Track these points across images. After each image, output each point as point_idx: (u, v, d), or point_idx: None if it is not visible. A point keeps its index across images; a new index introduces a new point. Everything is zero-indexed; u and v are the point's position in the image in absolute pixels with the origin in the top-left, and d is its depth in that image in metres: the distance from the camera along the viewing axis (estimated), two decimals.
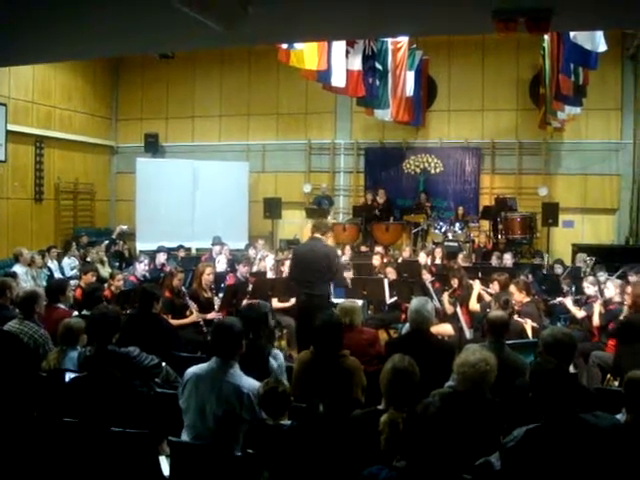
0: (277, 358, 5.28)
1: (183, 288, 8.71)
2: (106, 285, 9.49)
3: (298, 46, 11.34)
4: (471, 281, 9.40)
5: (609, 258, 13.29)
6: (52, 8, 6.54)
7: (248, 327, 5.48)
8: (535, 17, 6.52)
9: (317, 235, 8.26)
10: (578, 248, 15.03)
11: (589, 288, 9.02)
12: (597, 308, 8.21)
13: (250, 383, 4.49)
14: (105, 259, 13.25)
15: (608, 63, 14.84)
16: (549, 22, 6.60)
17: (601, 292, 8.76)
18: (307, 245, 8.66)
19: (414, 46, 15.90)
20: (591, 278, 9.55)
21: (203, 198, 17.77)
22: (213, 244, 14.30)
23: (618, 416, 4.35)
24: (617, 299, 8.22)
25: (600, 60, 11.96)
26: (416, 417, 3.27)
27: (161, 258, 12.72)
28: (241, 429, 4.41)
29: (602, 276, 10.29)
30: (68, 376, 5.00)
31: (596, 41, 11.22)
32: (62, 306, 6.99)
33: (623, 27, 13.32)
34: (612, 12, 6.94)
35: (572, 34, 11.15)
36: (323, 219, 14.22)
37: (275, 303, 9.73)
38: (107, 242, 15.01)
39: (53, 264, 13.00)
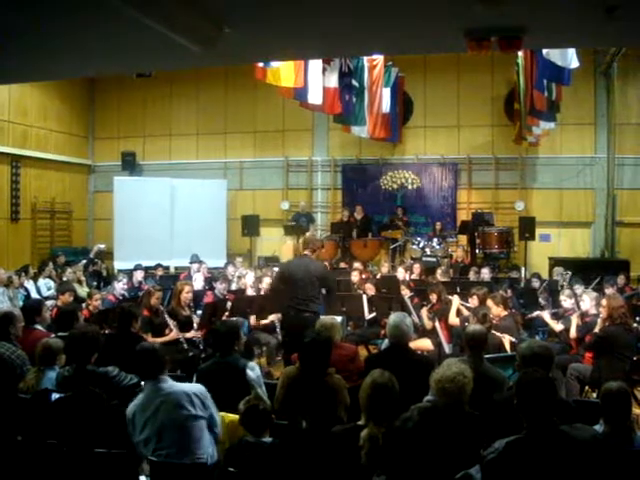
0: (254, 370, 5.31)
1: (161, 307, 8.68)
2: (84, 305, 9.44)
3: (274, 64, 11.39)
4: (450, 296, 9.45)
5: (585, 271, 13.43)
6: (28, 29, 6.54)
7: (218, 343, 5.51)
8: (507, 36, 6.61)
9: (307, 252, 8.28)
10: (555, 261, 15.17)
11: (566, 301, 9.10)
12: (574, 321, 8.28)
13: (189, 385, 4.67)
14: (83, 278, 13.15)
15: (581, 79, 15.05)
16: (521, 40, 6.70)
17: (578, 305, 8.84)
18: (298, 262, 8.66)
19: (390, 63, 16.02)
20: (568, 291, 9.62)
21: (181, 216, 17.74)
22: (191, 262, 14.26)
23: (596, 427, 4.40)
24: (593, 311, 8.30)
25: (573, 76, 12.13)
26: (395, 432, 3.30)
27: (139, 277, 12.66)
28: (201, 428, 4.47)
29: (578, 289, 10.38)
30: (53, 396, 4.97)
31: (568, 58, 11.38)
32: (39, 327, 6.91)
33: (594, 45, 13.51)
34: (582, 30, 7.06)
35: (545, 51, 11.30)
36: (309, 236, 14.26)
37: (254, 320, 9.73)
38: (85, 261, 14.91)
39: (30, 284, 12.90)
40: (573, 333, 8.23)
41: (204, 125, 19.78)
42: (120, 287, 11.06)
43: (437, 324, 8.77)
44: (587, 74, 16.29)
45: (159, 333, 8.25)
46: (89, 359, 5.28)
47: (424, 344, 8.93)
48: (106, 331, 7.66)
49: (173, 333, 8.24)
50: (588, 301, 8.53)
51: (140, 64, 9.62)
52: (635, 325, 8.57)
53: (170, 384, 4.56)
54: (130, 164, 19.39)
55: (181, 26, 5.98)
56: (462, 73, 17.65)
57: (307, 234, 15.76)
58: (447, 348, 8.41)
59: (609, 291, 10.16)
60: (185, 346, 8.13)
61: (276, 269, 11.89)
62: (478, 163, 17.87)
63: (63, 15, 6.13)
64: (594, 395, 7.23)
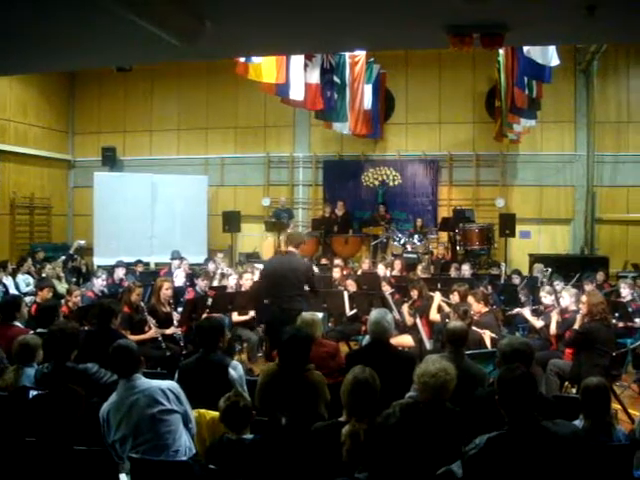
0: (236, 369, 5.28)
1: (142, 303, 8.62)
2: (63, 301, 9.36)
3: (256, 59, 11.35)
4: (431, 292, 9.47)
5: (565, 267, 13.50)
6: (5, 21, 6.47)
7: (202, 340, 5.48)
8: (489, 32, 6.63)
9: (291, 248, 8.25)
10: (535, 258, 15.26)
11: (546, 297, 9.14)
12: (554, 317, 8.32)
13: (162, 381, 4.63)
14: (62, 275, 13.04)
15: (561, 77, 15.18)
16: (503, 37, 6.72)
17: (558, 301, 8.88)
18: (282, 259, 8.64)
19: (372, 60, 16.01)
20: (548, 288, 9.67)
21: (162, 212, 17.67)
22: (172, 258, 14.20)
23: (576, 422, 4.42)
24: (573, 308, 8.35)
25: (554, 74, 12.20)
26: (377, 428, 3.29)
27: (119, 273, 12.57)
28: (177, 421, 4.46)
29: (558, 285, 10.43)
30: (31, 393, 4.92)
31: (549, 55, 11.43)
32: (18, 324, 6.84)
33: (574, 42, 13.59)
34: (563, 28, 7.09)
35: (526, 49, 11.34)
36: (296, 230, 14.24)
37: (235, 317, 9.70)
38: (64, 257, 14.80)
39: (8, 280, 12.77)
40: (553, 329, 8.28)
41: (185, 121, 19.70)
42: (99, 283, 10.98)
43: (418, 320, 8.77)
44: (567, 72, 16.42)
45: (139, 330, 8.20)
46: (68, 356, 5.24)
47: (405, 340, 8.94)
48: (86, 328, 7.59)
49: (152, 331, 8.18)
50: (568, 297, 8.58)
51: (120, 57, 9.56)
52: (614, 321, 8.67)
53: (143, 381, 4.53)
54: (110, 159, 19.28)
55: (162, 20, 5.94)
56: (444, 70, 17.70)
57: (289, 230, 15.77)
58: (428, 344, 8.41)
59: (588, 287, 10.23)
60: (163, 345, 8.07)
61: (257, 265, 11.89)
62: (459, 160, 17.95)
63: (41, 8, 6.07)
64: (574, 391, 7.27)
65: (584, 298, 7.70)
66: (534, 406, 3.59)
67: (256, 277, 10.85)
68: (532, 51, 11.34)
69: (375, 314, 5.91)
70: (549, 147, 17.45)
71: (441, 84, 17.94)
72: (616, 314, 9.32)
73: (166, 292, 8.76)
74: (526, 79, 12.58)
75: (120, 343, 4.76)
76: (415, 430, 3.36)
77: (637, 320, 9.69)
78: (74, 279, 13.74)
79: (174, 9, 5.98)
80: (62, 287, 11.83)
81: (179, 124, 19.80)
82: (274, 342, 7.92)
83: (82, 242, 16.37)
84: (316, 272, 12.43)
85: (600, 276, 12.79)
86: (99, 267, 14.67)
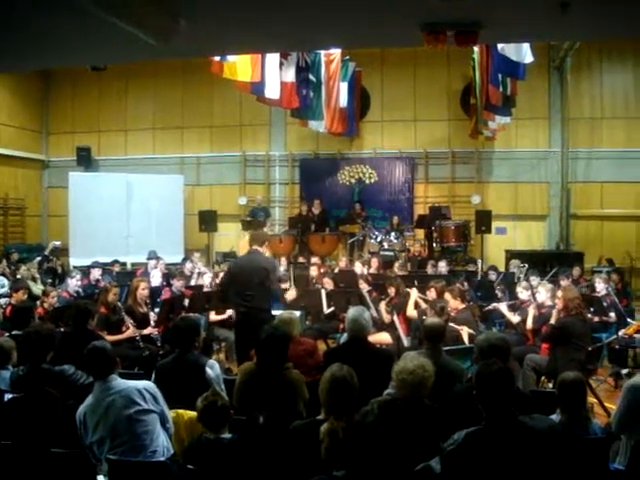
0: (213, 368, 5.28)
1: (119, 303, 8.57)
2: (38, 302, 9.28)
3: (231, 58, 11.32)
4: (408, 289, 9.49)
5: (541, 263, 13.61)
6: None
7: (178, 340, 5.47)
8: (463, 30, 6.66)
9: (255, 247, 8.22)
10: (511, 254, 15.35)
11: (522, 293, 9.20)
12: (531, 312, 8.38)
13: (138, 382, 4.61)
14: (37, 276, 12.92)
15: (535, 74, 15.28)
16: (477, 35, 6.75)
17: (534, 296, 8.95)
18: (245, 258, 8.61)
19: (347, 58, 16.03)
20: (524, 283, 9.73)
21: (138, 212, 17.56)
22: (148, 258, 14.12)
23: (553, 416, 4.46)
24: (549, 303, 8.42)
25: (528, 71, 12.30)
26: (355, 426, 3.29)
27: (95, 274, 12.48)
28: (154, 421, 4.45)
29: (534, 281, 10.50)
30: (6, 397, 4.87)
31: (523, 53, 11.52)
32: None
33: (548, 40, 13.69)
34: (536, 25, 7.14)
35: (500, 46, 11.41)
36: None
37: (212, 316, 9.68)
38: (39, 258, 14.66)
39: None
40: (529, 324, 8.34)
41: (160, 120, 19.59)
42: (74, 283, 10.89)
43: (395, 317, 8.81)
44: (541, 69, 16.57)
45: (116, 330, 8.15)
46: (44, 358, 5.20)
47: (383, 338, 8.96)
48: (61, 329, 7.54)
49: (130, 330, 8.14)
50: (544, 293, 8.65)
51: (96, 57, 9.48)
52: (589, 316, 8.75)
53: (119, 382, 4.50)
54: (85, 159, 19.12)
55: (136, 18, 5.90)
56: (419, 68, 17.76)
57: (264, 229, 15.76)
58: (406, 341, 8.45)
59: (564, 283, 10.31)
60: (141, 344, 8.04)
61: None
62: (435, 157, 18.02)
63: (17, 8, 6.01)
64: (550, 385, 7.33)
65: (560, 293, 7.77)
66: (511, 401, 3.61)
67: None
68: (506, 48, 11.42)
69: (353, 312, 5.92)
70: (524, 144, 17.58)
71: (416, 82, 18.00)
72: (591, 309, 9.41)
73: (143, 292, 8.72)
74: (500, 76, 12.67)
75: (95, 345, 4.72)
76: (393, 427, 3.36)
77: (612, 314, 9.80)
78: (50, 280, 13.63)
79: (150, 9, 5.94)
80: (37, 288, 11.73)
81: (154, 123, 19.69)
82: (239, 342, 7.94)
83: (57, 243, 16.22)
84: (293, 270, 12.49)
85: (576, 271, 12.88)
86: (75, 267, 14.55)
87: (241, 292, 7.91)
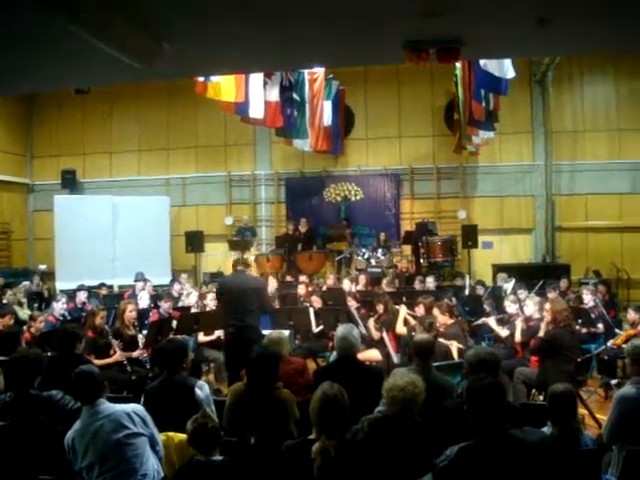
0: (203, 389, 5.24)
1: (106, 327, 8.52)
2: (25, 327, 9.21)
3: (215, 78, 11.36)
4: (396, 306, 9.49)
5: (528, 276, 13.64)
6: None
7: (166, 362, 5.44)
8: (445, 47, 6.70)
9: (240, 267, 8.26)
10: (498, 268, 15.38)
11: (510, 306, 9.21)
12: (519, 325, 8.40)
13: (126, 405, 4.56)
14: (24, 300, 12.85)
15: (517, 89, 15.41)
16: (459, 52, 6.80)
17: (522, 310, 8.97)
18: (234, 277, 8.64)
19: (330, 76, 16.11)
20: (512, 297, 9.74)
21: (124, 234, 17.48)
22: (136, 280, 14.06)
23: (544, 429, 4.46)
24: (537, 315, 8.44)
25: (510, 86, 12.39)
26: (346, 444, 3.28)
27: (82, 297, 12.41)
28: (144, 444, 4.41)
29: (522, 294, 10.53)
30: None
31: (505, 68, 11.61)
32: None
33: (528, 55, 13.82)
34: (517, 41, 7.21)
35: (482, 62, 11.50)
36: (259, 251, 14.24)
37: (201, 337, 9.64)
38: (26, 283, 14.58)
39: None
40: (518, 338, 8.35)
41: (145, 141, 19.60)
42: (59, 307, 10.82)
43: (385, 334, 8.79)
44: (523, 84, 16.70)
45: (104, 354, 8.10)
46: (31, 383, 5.14)
47: (372, 355, 8.95)
48: (48, 353, 7.48)
49: (117, 354, 8.09)
50: (532, 306, 8.67)
51: (78, 79, 9.49)
52: (577, 327, 8.77)
53: (107, 406, 4.46)
54: (70, 182, 19.06)
55: (120, 41, 5.91)
56: (402, 85, 17.86)
57: (252, 249, 15.78)
58: (395, 358, 8.44)
59: (552, 295, 10.34)
60: (129, 368, 7.99)
61: None
62: (420, 173, 18.09)
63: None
64: (541, 398, 7.33)
65: (548, 306, 7.79)
66: (503, 415, 3.61)
67: None
68: (488, 64, 11.51)
69: (342, 330, 5.91)
70: (508, 158, 17.70)
71: (400, 99, 18.11)
72: (579, 320, 9.44)
73: (130, 315, 8.67)
74: (483, 92, 12.75)
75: (82, 369, 4.69)
76: (385, 444, 3.36)
77: (600, 325, 9.84)
78: (36, 304, 13.55)
79: (133, 31, 5.95)
80: (24, 313, 11.66)
81: (139, 145, 19.69)
82: (231, 360, 7.93)
83: (43, 267, 16.18)
84: (280, 289, 12.47)
85: (563, 283, 12.96)
86: (62, 291, 14.47)
87: (231, 311, 7.91)
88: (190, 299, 11.36)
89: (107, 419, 4.36)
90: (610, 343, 9.01)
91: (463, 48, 6.75)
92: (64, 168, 19.19)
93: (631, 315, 9.38)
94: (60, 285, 16.44)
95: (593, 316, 9.98)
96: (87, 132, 19.86)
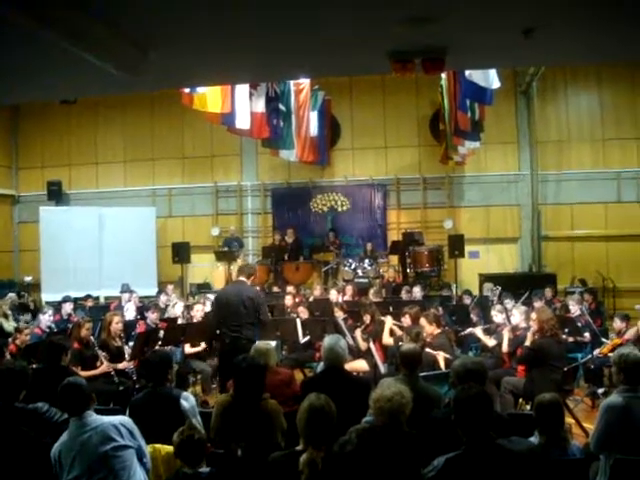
0: (188, 400, 5.21)
1: (92, 338, 8.48)
2: (10, 339, 9.15)
3: (201, 90, 11.33)
4: (383, 317, 9.48)
5: (514, 286, 13.68)
6: None
7: (150, 374, 5.41)
8: (430, 57, 6.74)
9: (242, 278, 8.24)
10: (484, 278, 15.42)
11: (497, 316, 9.24)
12: (506, 335, 8.41)
13: (114, 417, 4.52)
14: (9, 312, 12.75)
15: (502, 99, 15.48)
16: (444, 62, 6.85)
17: (509, 319, 8.99)
18: (232, 288, 8.63)
19: (316, 87, 16.14)
20: (499, 306, 9.77)
21: (110, 245, 17.43)
22: (122, 292, 14.01)
23: (531, 439, 4.46)
24: (523, 325, 8.45)
25: (495, 96, 12.43)
26: (334, 456, 3.27)
27: (68, 308, 12.35)
28: (131, 457, 4.37)
29: (509, 303, 10.55)
30: None
31: (490, 78, 11.65)
32: None
33: (513, 65, 13.91)
34: (501, 51, 7.26)
35: (467, 72, 11.54)
36: (245, 261, 14.20)
37: (188, 348, 9.60)
38: (11, 295, 14.48)
39: None
40: (505, 347, 8.36)
41: (131, 152, 19.54)
42: (46, 319, 10.74)
43: (372, 345, 8.79)
44: (508, 94, 16.79)
45: (90, 366, 8.05)
46: (17, 396, 5.10)
47: (359, 365, 8.94)
48: (34, 366, 7.43)
49: (104, 366, 8.05)
50: (518, 315, 8.69)
51: (63, 90, 9.46)
52: (564, 336, 8.80)
53: (95, 418, 4.42)
54: (56, 193, 18.96)
55: (104, 51, 5.90)
56: (388, 95, 17.91)
57: (238, 260, 15.74)
58: (382, 368, 8.43)
59: (538, 304, 10.37)
60: (116, 379, 7.94)
61: (209, 296, 11.80)
62: (406, 183, 18.13)
63: None
64: (528, 407, 7.34)
65: (534, 315, 7.81)
66: (490, 425, 3.61)
67: (207, 308, 10.77)
68: (474, 74, 11.55)
69: (328, 340, 5.90)
70: (494, 168, 17.78)
71: (386, 109, 18.16)
72: (566, 329, 9.47)
73: (116, 326, 8.63)
74: (468, 102, 12.80)
75: (69, 381, 4.65)
76: (373, 455, 3.34)
77: (586, 334, 9.88)
78: (21, 316, 13.45)
79: (118, 42, 5.95)
80: (9, 325, 11.58)
81: (125, 156, 19.63)
82: (223, 372, 7.89)
83: (28, 278, 16.10)
84: (267, 300, 12.42)
85: (548, 292, 13.01)
86: (47, 303, 14.39)
87: (226, 322, 7.90)
88: (176, 309, 11.30)
89: (94, 431, 4.33)
90: (597, 352, 9.03)
91: (448, 58, 6.80)
92: (50, 179, 19.11)
93: (617, 324, 9.43)
94: (46, 297, 16.36)
95: (579, 325, 10.02)
96: (73, 143, 19.79)
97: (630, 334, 9.01)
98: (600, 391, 8.82)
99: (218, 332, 8.30)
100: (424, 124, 18.08)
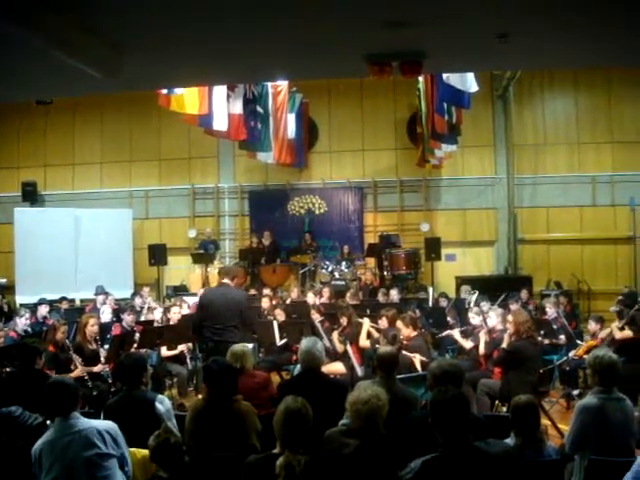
0: (163, 403, 5.16)
1: (67, 341, 8.40)
2: None
3: (178, 91, 11.27)
4: (360, 319, 9.49)
5: (491, 288, 13.75)
6: None
7: (125, 377, 5.37)
8: (407, 61, 6.76)
9: (226, 280, 8.20)
10: (461, 280, 15.48)
11: (474, 318, 9.27)
12: (482, 337, 8.44)
13: (101, 422, 4.49)
14: None
15: (480, 102, 15.59)
16: (421, 65, 6.88)
17: (485, 321, 9.03)
18: (217, 291, 8.59)
19: (294, 89, 16.12)
20: (475, 309, 9.80)
21: (85, 247, 17.29)
22: (96, 294, 13.90)
23: (507, 440, 4.48)
24: (499, 327, 8.49)
25: (472, 100, 12.50)
26: (319, 459, 3.26)
27: (43, 311, 12.23)
28: (112, 466, 4.31)
29: (485, 306, 10.59)
30: None
31: (467, 82, 11.71)
32: None
33: (490, 69, 14.00)
34: (479, 55, 7.30)
35: (445, 75, 11.58)
36: (223, 264, 14.13)
37: (164, 351, 9.54)
38: None
39: None
40: (482, 349, 8.40)
41: (108, 153, 19.38)
42: (22, 322, 10.64)
43: (348, 347, 8.79)
44: (485, 98, 16.90)
45: (65, 369, 7.97)
46: None
47: (336, 368, 8.94)
48: (7, 369, 7.35)
49: (78, 369, 7.97)
50: (494, 317, 8.73)
51: (40, 91, 9.40)
52: (540, 339, 8.86)
53: (80, 421, 4.35)
54: (31, 194, 18.76)
55: (81, 52, 5.86)
56: (365, 98, 17.96)
57: (215, 262, 15.69)
58: (359, 371, 8.43)
59: (514, 307, 10.42)
60: (89, 383, 7.87)
61: (186, 299, 11.75)
62: (383, 186, 18.19)
63: None
64: (504, 409, 7.37)
65: (510, 317, 7.85)
66: (467, 427, 3.62)
67: (184, 311, 10.73)
68: (451, 78, 11.59)
69: (305, 343, 5.89)
70: (470, 171, 17.88)
71: (363, 112, 18.21)
72: (541, 332, 9.53)
73: (92, 329, 8.56)
74: (446, 105, 12.84)
75: (56, 379, 4.61)
76: (350, 458, 3.34)
77: (562, 337, 9.94)
78: None
79: (95, 42, 5.91)
80: None
81: (102, 157, 19.46)
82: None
83: (3, 280, 15.93)
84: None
85: (524, 294, 13.09)
86: (22, 305, 14.25)
87: (211, 325, 7.86)
88: (155, 314, 11.22)
89: (78, 435, 4.26)
90: (572, 354, 9.10)
91: (425, 62, 6.83)
92: (25, 180, 18.90)
93: (592, 326, 9.51)
94: (20, 299, 16.19)
95: (555, 327, 10.08)
96: (49, 144, 19.58)
97: (604, 336, 9.09)
98: (575, 393, 8.88)
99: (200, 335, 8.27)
100: (401, 127, 18.14)
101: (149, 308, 12.15)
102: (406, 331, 8.23)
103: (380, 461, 3.97)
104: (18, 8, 4.90)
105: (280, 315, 10.72)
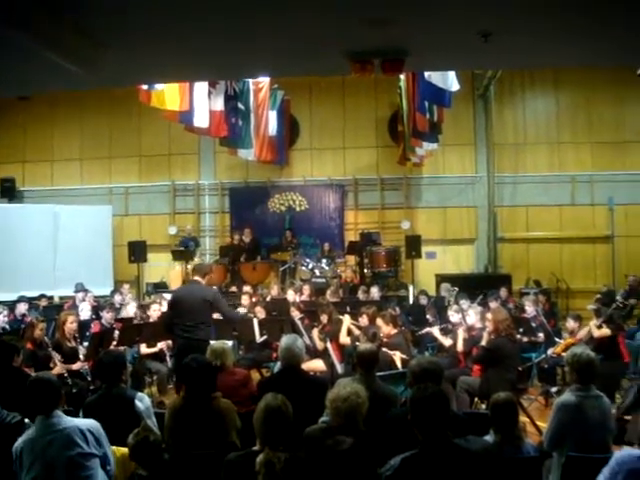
0: (143, 400, 5.12)
1: (46, 338, 8.34)
2: None
3: (159, 87, 11.23)
4: (340, 316, 9.50)
5: (470, 286, 13.81)
6: None
7: (104, 375, 5.33)
8: (389, 58, 6.77)
9: (197, 278, 8.16)
10: (441, 278, 15.53)
11: (454, 316, 9.32)
12: (461, 335, 8.49)
13: (83, 421, 4.41)
14: None
15: (461, 101, 15.66)
16: (403, 63, 6.89)
17: (464, 319, 9.07)
18: (186, 289, 8.56)
19: (275, 86, 16.11)
20: (455, 306, 9.85)
21: (65, 244, 17.15)
22: (75, 291, 13.81)
23: (487, 437, 4.51)
24: (478, 325, 8.54)
25: (453, 99, 12.54)
26: (301, 458, 3.25)
27: (22, 308, 12.14)
28: (94, 466, 4.26)
29: (464, 304, 10.64)
30: None
31: (449, 80, 11.75)
32: None
33: (472, 68, 14.04)
34: (460, 54, 7.32)
35: (426, 74, 11.62)
36: (202, 260, 14.07)
37: (143, 349, 9.50)
38: None
39: None
40: (460, 347, 8.44)
41: (88, 150, 19.26)
42: (0, 320, 10.56)
43: (329, 344, 8.79)
44: (466, 97, 16.95)
45: (43, 367, 7.90)
46: None
47: (316, 365, 8.94)
48: None
49: (57, 367, 7.91)
50: (473, 315, 8.78)
51: (18, 86, 9.29)
52: (519, 336, 8.92)
53: (63, 420, 4.27)
54: (9, 190, 18.58)
55: (62, 48, 5.82)
56: (347, 96, 17.98)
57: (195, 259, 15.64)
58: (339, 368, 8.43)
59: (493, 305, 10.48)
60: (69, 381, 7.81)
61: (166, 296, 11.69)
62: (364, 184, 18.21)
63: None
64: (483, 406, 7.41)
65: (490, 315, 7.89)
66: (447, 424, 3.63)
67: (164, 308, 10.69)
68: (433, 76, 11.64)
69: (285, 340, 5.88)
70: (451, 169, 17.96)
71: (345, 110, 18.23)
72: (520, 329, 9.59)
73: (71, 326, 8.50)
74: (427, 104, 12.88)
75: (39, 376, 4.54)
76: (329, 455, 3.34)
77: (540, 334, 10.00)
78: None
79: (76, 38, 5.87)
80: None
81: (82, 153, 19.34)
82: (178, 372, 7.82)
83: None
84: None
85: (503, 292, 13.16)
86: (0, 303, 14.13)
87: (180, 323, 7.82)
88: (128, 310, 11.14)
89: (59, 434, 4.19)
90: (550, 352, 9.16)
91: (407, 59, 6.85)
92: (3, 176, 18.71)
93: (570, 324, 9.57)
94: None
95: (534, 325, 10.15)
96: (28, 139, 19.42)
97: (582, 334, 9.16)
98: (553, 390, 8.94)
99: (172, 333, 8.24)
100: (382, 125, 18.18)
101: (122, 305, 12.08)
102: (386, 329, 8.25)
103: (359, 458, 3.98)
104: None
105: (260, 312, 10.71)
